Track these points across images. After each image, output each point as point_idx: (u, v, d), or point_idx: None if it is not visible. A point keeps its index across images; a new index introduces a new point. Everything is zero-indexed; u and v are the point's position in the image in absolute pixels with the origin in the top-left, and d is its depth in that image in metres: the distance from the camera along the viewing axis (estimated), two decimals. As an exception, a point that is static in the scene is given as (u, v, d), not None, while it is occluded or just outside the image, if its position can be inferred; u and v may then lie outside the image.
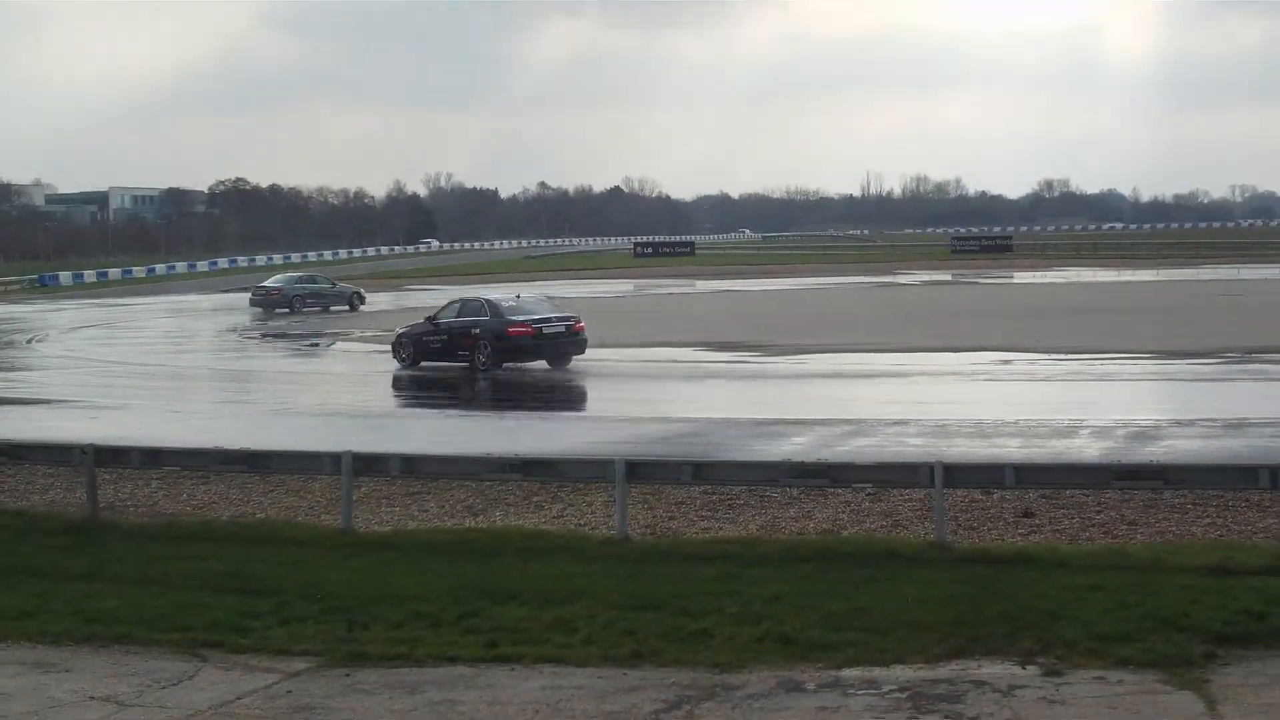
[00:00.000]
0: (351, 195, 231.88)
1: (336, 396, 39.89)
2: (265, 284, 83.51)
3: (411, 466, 21.14)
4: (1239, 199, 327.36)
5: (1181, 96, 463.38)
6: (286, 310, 76.83)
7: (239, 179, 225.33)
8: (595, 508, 20.90)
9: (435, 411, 36.98)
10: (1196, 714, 12.02)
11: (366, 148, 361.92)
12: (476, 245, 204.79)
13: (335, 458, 20.39)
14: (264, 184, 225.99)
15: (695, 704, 12.52)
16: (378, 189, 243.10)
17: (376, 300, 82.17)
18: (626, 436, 27.68)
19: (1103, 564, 16.64)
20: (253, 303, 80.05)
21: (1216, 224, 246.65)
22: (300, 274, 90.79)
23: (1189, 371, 39.21)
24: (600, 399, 37.20)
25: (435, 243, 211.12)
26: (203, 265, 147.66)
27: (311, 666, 13.86)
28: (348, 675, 13.58)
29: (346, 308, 78.56)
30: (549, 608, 15.35)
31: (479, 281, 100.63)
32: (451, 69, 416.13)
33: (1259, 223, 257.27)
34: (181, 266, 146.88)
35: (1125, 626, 14.06)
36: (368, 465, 20.87)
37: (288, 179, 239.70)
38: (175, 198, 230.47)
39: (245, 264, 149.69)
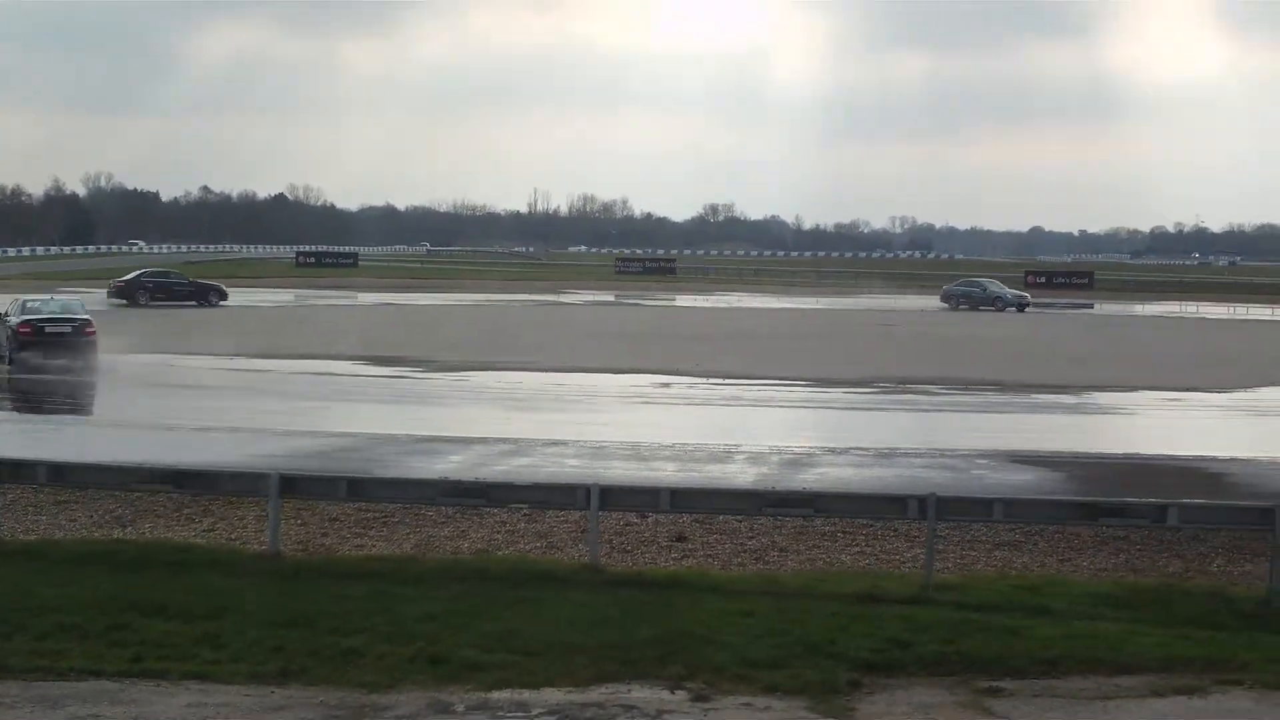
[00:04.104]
0: (9, 193, 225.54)
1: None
2: None
3: (61, 474, 20.54)
4: (899, 230, 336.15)
5: (845, 127, 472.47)
6: None
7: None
8: (248, 522, 20.60)
9: None
10: (840, 742, 12.23)
11: (25, 147, 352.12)
12: (133, 249, 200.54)
13: (-22, 464, 19.76)
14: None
15: (343, 724, 12.38)
16: (36, 188, 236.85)
17: None
18: (282, 449, 27.29)
19: (754, 590, 16.88)
20: None
21: (876, 254, 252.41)
22: None
23: (843, 400, 40.06)
24: (257, 411, 36.58)
25: (142, 244, 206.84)
26: None
27: (-52, 679, 13.39)
28: (-14, 688, 13.15)
29: None
30: (198, 622, 15.09)
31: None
32: (113, 69, 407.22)
33: (918, 254, 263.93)
34: None
35: (775, 653, 14.27)
36: (13, 471, 20.24)
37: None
38: None
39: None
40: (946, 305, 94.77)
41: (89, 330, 44.59)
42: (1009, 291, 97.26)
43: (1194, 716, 13.00)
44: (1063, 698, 13.43)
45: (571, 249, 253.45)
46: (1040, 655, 14.48)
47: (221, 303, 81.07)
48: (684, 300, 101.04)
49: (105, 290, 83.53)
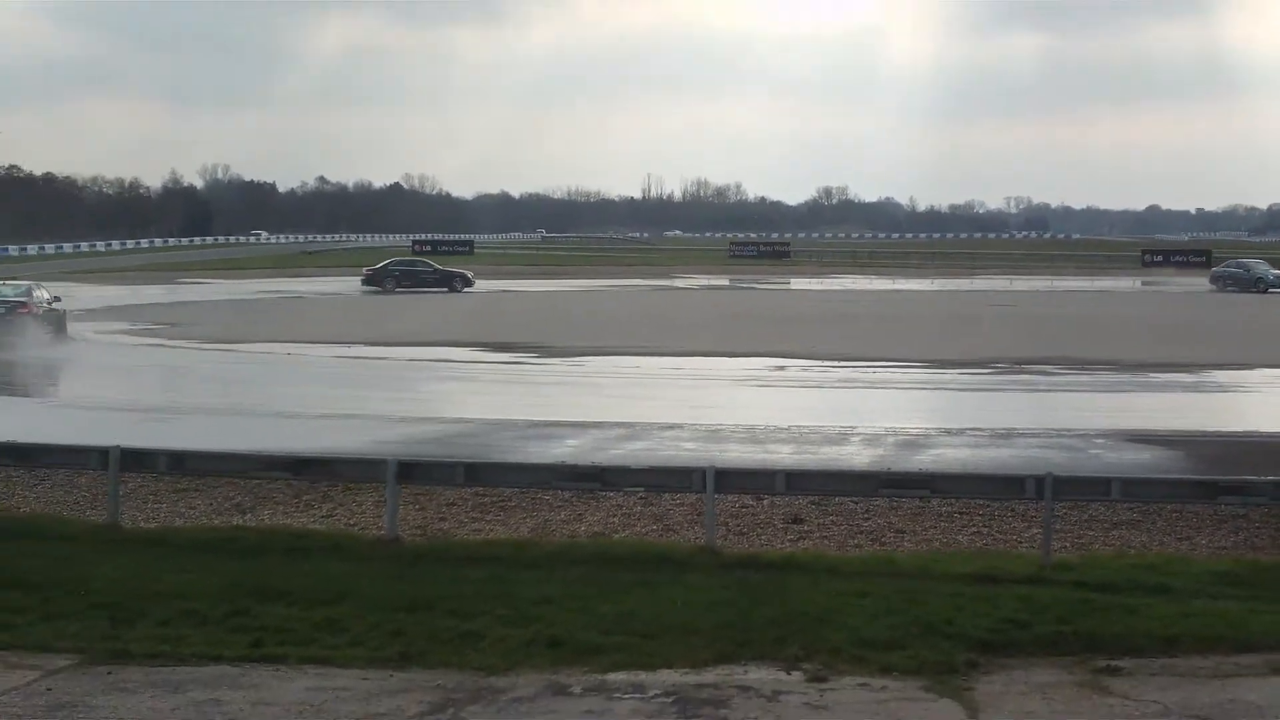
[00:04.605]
0: (127, 185, 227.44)
1: None
2: None
3: (180, 463, 20.80)
4: (1014, 210, 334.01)
5: (959, 107, 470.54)
6: None
7: (13, 166, 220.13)
8: (366, 508, 20.72)
9: None
10: (957, 721, 12.21)
11: (143, 141, 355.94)
12: (257, 239, 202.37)
13: (103, 452, 20.01)
14: (38, 172, 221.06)
15: (461, 707, 12.45)
16: (154, 180, 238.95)
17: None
18: (398, 436, 27.49)
19: (870, 571, 16.82)
20: None
21: (991, 235, 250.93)
22: None
23: (959, 381, 39.90)
24: (375, 398, 36.79)
25: (265, 234, 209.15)
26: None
27: (73, 664, 13.57)
28: (110, 673, 13.30)
29: None
30: (317, 608, 15.18)
31: (253, 276, 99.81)
32: (229, 62, 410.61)
33: (1033, 234, 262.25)
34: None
35: (891, 633, 14.22)
36: (136, 460, 20.51)
37: (63, 169, 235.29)
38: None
39: (15, 253, 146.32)
40: (1214, 288, 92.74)
41: (22, 309, 48.42)
42: (1271, 273, 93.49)
43: (1315, 694, 12.88)
44: (1182, 676, 13.32)
45: (683, 234, 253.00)
46: (1159, 634, 14.35)
47: (466, 289, 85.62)
48: (798, 284, 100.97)
49: (359, 278, 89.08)
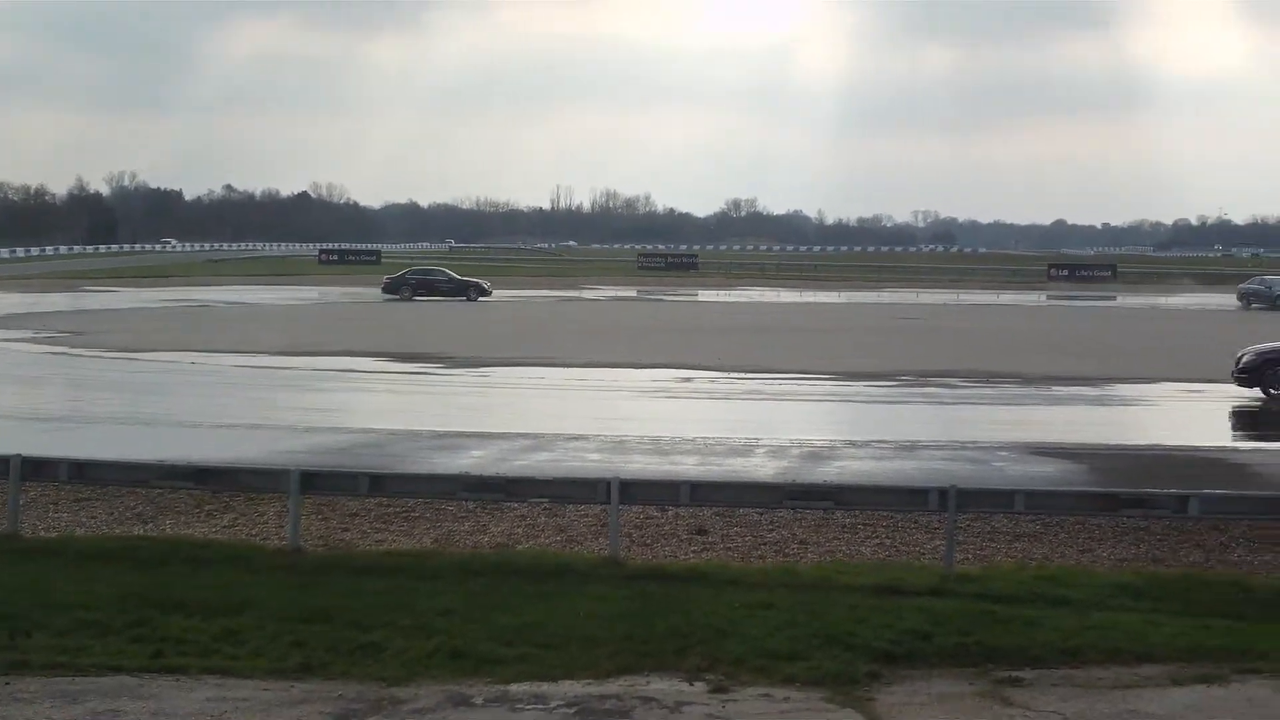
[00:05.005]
0: (32, 193, 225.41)
1: None
2: None
3: (82, 472, 20.59)
4: (922, 224, 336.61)
5: (869, 121, 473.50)
6: None
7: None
8: (268, 518, 20.60)
9: None
10: (858, 732, 12.23)
11: (48, 147, 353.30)
12: (158, 247, 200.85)
13: (3, 460, 19.78)
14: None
15: (362, 717, 12.42)
16: (60, 187, 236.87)
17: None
18: (303, 446, 27.34)
19: (773, 582, 16.84)
20: None
21: (899, 248, 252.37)
22: None
23: (865, 393, 40.06)
24: (280, 408, 36.58)
25: (174, 242, 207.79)
26: None
27: (-32, 676, 13.43)
28: (7, 684, 13.16)
29: None
30: (218, 618, 15.09)
31: (157, 284, 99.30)
32: (136, 69, 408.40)
33: (940, 248, 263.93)
34: None
35: (793, 644, 14.26)
36: (36, 469, 20.28)
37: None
38: None
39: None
40: (1240, 304, 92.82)
41: None
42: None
43: (1214, 705, 12.97)
44: (1082, 687, 13.41)
45: (578, 245, 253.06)
46: (1060, 645, 14.45)
47: (481, 298, 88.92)
48: (706, 295, 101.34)
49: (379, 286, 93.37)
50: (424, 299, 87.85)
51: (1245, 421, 36.29)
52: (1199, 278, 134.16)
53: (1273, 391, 37.75)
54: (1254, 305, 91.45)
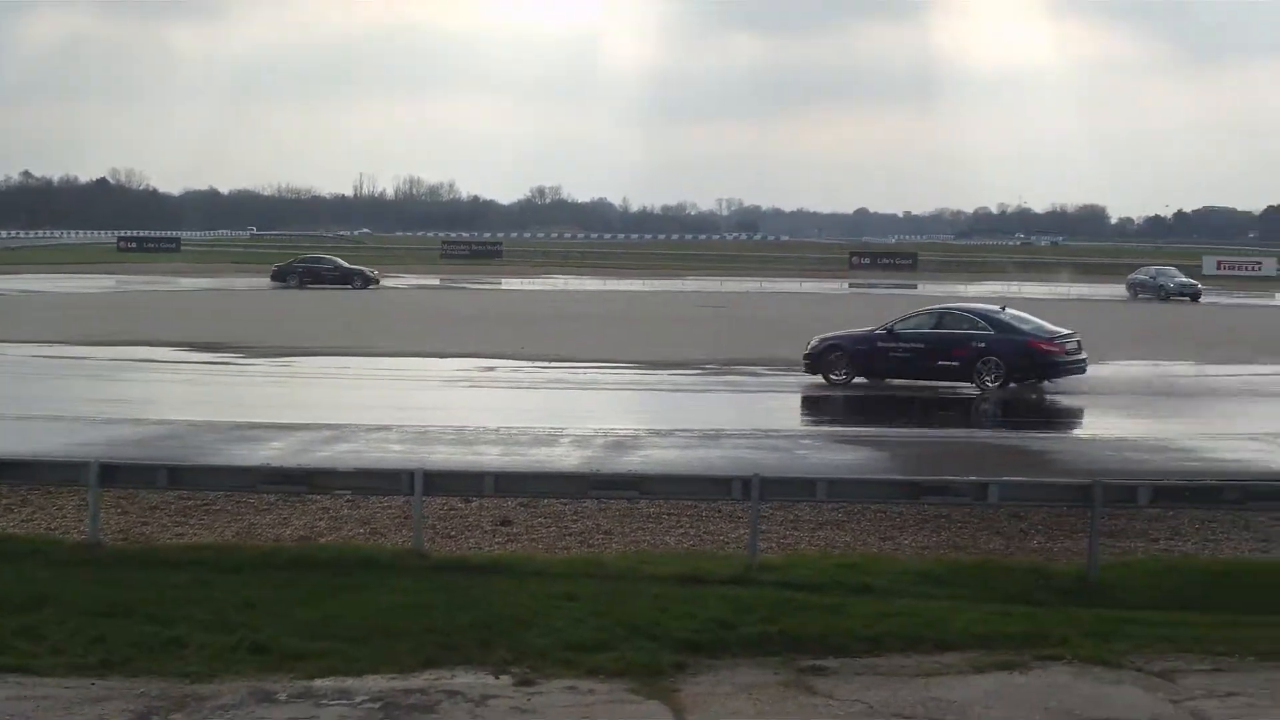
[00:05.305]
0: None
1: None
2: None
3: None
4: (725, 212, 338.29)
5: (673, 110, 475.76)
6: None
7: None
8: (67, 511, 20.29)
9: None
10: (664, 723, 12.26)
11: None
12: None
13: None
14: None
15: (165, 715, 12.28)
16: None
17: None
18: (101, 438, 26.90)
19: (578, 573, 16.88)
20: None
21: (703, 236, 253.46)
22: None
23: (669, 382, 40.15)
24: (74, 399, 35.99)
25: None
26: None
27: None
28: None
29: None
30: (16, 614, 14.85)
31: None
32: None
33: (744, 236, 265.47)
34: None
35: (598, 635, 14.30)
36: None
37: None
38: None
39: None
40: (1129, 295, 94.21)
41: None
42: (1174, 280, 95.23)
43: (1015, 692, 13.15)
44: (885, 675, 13.56)
45: (399, 233, 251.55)
46: (863, 633, 14.61)
47: (371, 286, 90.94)
48: (509, 284, 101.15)
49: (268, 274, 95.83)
50: (311, 287, 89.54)
51: (809, 407, 36.95)
52: (1000, 265, 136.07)
53: (833, 378, 38.53)
54: (1141, 296, 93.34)
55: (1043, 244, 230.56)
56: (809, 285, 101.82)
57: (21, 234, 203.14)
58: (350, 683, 13.07)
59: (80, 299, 75.74)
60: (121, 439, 27.17)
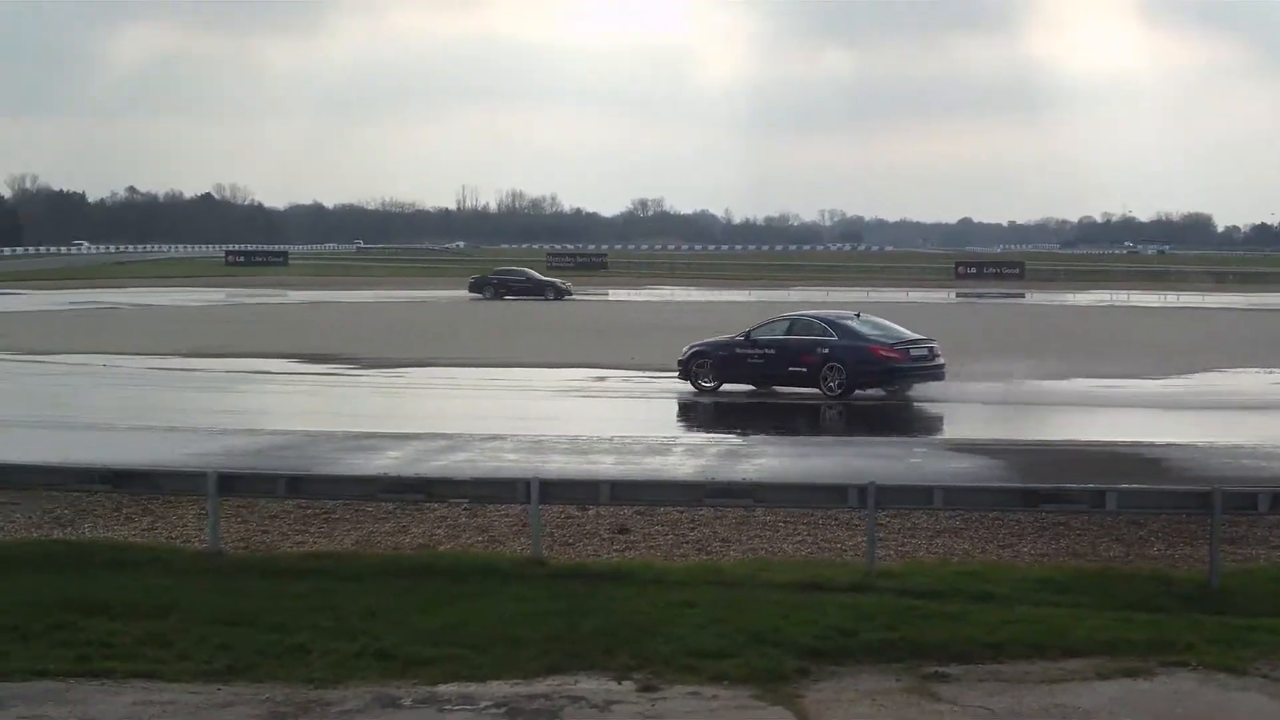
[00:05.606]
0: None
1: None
2: None
3: (-1, 475, 20.39)
4: (829, 223, 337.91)
5: (775, 121, 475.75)
6: None
7: None
8: (187, 520, 20.47)
9: None
10: (789, 729, 12.25)
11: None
12: (70, 249, 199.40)
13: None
14: None
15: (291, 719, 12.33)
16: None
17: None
18: (219, 449, 27.15)
19: (697, 580, 16.87)
20: None
21: (806, 247, 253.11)
22: None
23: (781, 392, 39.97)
24: (193, 410, 36.33)
25: (86, 244, 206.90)
26: None
27: (-110, 683, 13.29)
28: (-71, 691, 13.06)
29: None
30: (142, 621, 15.00)
31: (64, 286, 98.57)
32: (35, 69, 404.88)
33: (848, 246, 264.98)
34: None
35: (720, 642, 14.27)
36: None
37: None
38: None
39: None
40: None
41: None
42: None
43: (1140, 698, 13.06)
44: (1008, 681, 13.48)
45: (502, 245, 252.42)
46: (985, 640, 14.52)
47: (567, 298, 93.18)
48: (616, 294, 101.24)
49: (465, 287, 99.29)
50: (506, 299, 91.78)
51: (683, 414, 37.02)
52: (1106, 274, 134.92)
53: (702, 384, 38.66)
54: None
55: (1149, 253, 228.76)
56: (915, 295, 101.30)
57: (130, 248, 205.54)
58: (474, 688, 13.12)
59: (223, 310, 76.38)
60: (240, 449, 27.40)
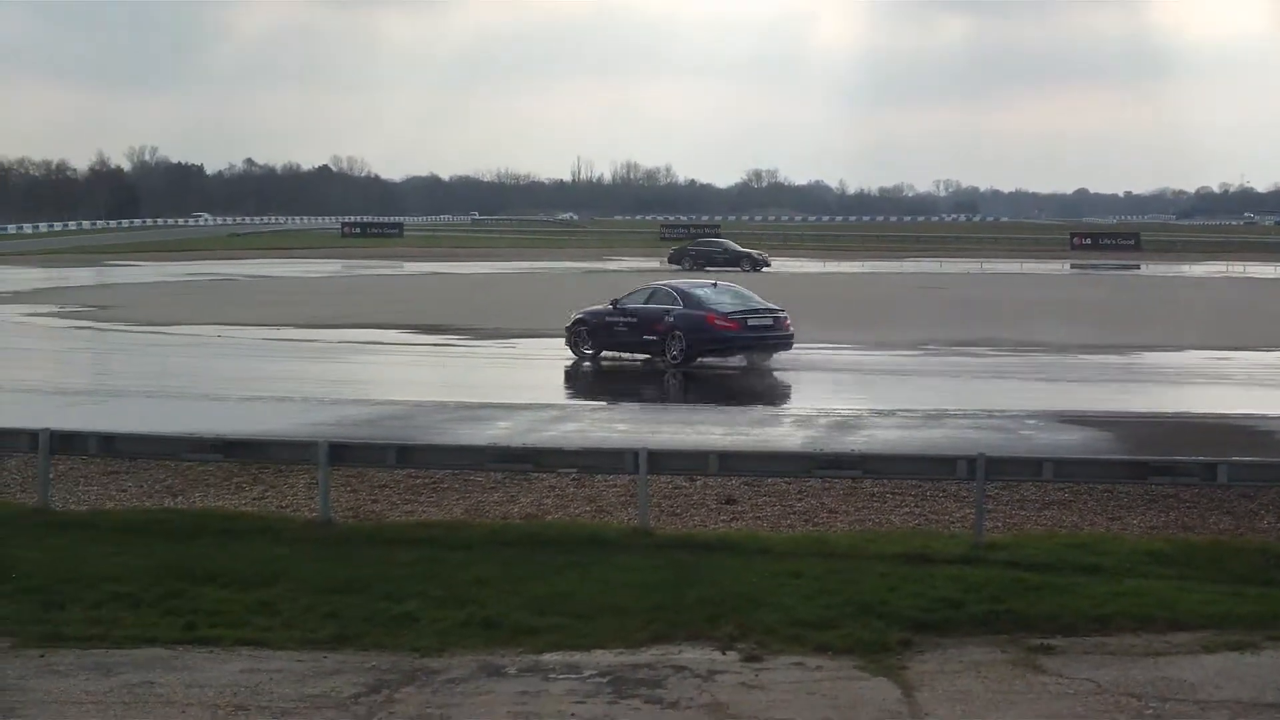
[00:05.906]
0: (54, 167, 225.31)
1: None
2: None
3: (110, 445, 20.65)
4: (943, 193, 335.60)
5: (888, 90, 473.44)
6: None
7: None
8: (297, 490, 20.66)
9: None
10: (893, 700, 12.22)
11: (69, 122, 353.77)
12: (190, 222, 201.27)
13: (32, 435, 19.87)
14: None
15: (395, 688, 12.44)
16: (81, 162, 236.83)
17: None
18: (330, 418, 27.35)
19: (803, 551, 16.85)
20: None
21: (920, 218, 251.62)
22: None
23: (891, 363, 39.89)
24: (301, 378, 36.58)
25: (207, 216, 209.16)
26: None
27: (5, 647, 13.52)
28: (42, 655, 13.27)
29: None
30: (250, 590, 15.18)
31: (182, 258, 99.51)
32: (154, 43, 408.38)
33: (962, 217, 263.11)
34: None
35: (825, 613, 14.28)
36: (66, 443, 20.35)
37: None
38: None
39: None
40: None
41: None
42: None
43: (1247, 672, 12.94)
44: (1114, 654, 13.40)
45: (616, 217, 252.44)
46: (1091, 613, 14.44)
47: (761, 269, 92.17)
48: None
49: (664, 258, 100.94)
50: (703, 269, 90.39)
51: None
52: (1222, 246, 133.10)
53: (585, 351, 38.93)
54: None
55: (1268, 223, 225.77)
56: (1029, 266, 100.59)
57: (248, 219, 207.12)
58: (579, 657, 13.19)
59: (312, 284, 76.90)
60: (350, 419, 27.59)
